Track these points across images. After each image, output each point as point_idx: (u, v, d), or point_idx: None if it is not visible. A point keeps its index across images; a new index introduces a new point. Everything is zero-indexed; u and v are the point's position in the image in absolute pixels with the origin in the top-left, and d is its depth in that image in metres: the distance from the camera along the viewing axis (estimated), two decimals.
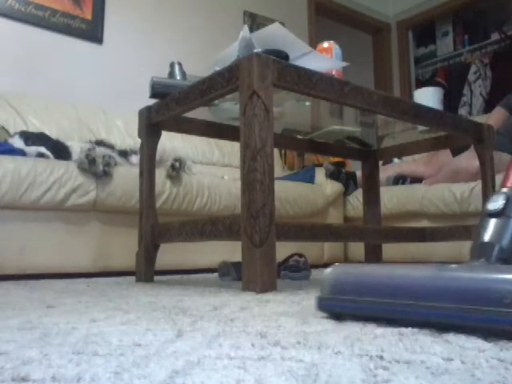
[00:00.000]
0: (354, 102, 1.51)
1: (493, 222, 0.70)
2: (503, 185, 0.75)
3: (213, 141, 3.27)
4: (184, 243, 2.20)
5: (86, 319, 0.79)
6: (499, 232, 0.69)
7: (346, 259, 3.09)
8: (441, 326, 0.65)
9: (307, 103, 1.79)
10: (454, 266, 0.68)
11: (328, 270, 0.80)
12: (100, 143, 2.44)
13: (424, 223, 2.68)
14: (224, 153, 3.36)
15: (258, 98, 1.25)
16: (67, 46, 3.12)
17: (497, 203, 0.71)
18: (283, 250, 1.94)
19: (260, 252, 1.21)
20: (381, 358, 0.51)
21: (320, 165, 3.58)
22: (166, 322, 0.76)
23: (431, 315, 0.64)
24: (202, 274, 2.29)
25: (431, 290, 0.64)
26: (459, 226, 2.11)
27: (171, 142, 2.94)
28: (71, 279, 1.89)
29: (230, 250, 2.20)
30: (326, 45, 1.73)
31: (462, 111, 4.93)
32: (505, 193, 0.72)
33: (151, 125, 1.75)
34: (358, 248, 2.85)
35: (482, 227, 0.71)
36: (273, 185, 1.26)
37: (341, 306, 0.76)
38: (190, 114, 1.72)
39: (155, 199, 1.78)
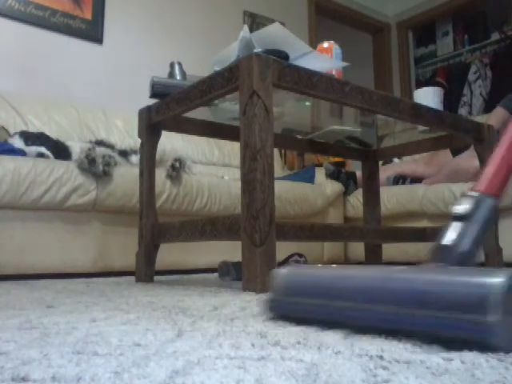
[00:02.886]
0: (353, 102, 1.51)
1: (456, 226, 0.69)
2: (476, 188, 0.72)
3: (213, 141, 3.27)
4: (184, 243, 2.21)
5: (86, 319, 0.79)
6: (460, 236, 0.68)
7: (346, 259, 3.09)
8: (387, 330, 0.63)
9: (307, 103, 1.78)
10: (404, 267, 0.67)
11: (278, 271, 0.77)
12: (100, 143, 2.44)
13: (424, 223, 2.68)
14: (224, 153, 3.36)
15: (258, 98, 1.25)
16: (67, 46, 3.12)
17: (463, 207, 0.70)
18: (283, 249, 1.95)
19: (260, 252, 1.21)
20: (381, 357, 0.51)
21: (320, 165, 3.58)
22: (166, 321, 0.76)
23: (376, 319, 0.62)
24: (202, 274, 2.29)
25: (378, 292, 0.62)
26: None
27: (171, 142, 2.94)
28: (71, 279, 1.89)
29: (230, 250, 2.20)
30: (325, 45, 1.73)
31: (462, 111, 4.93)
32: (474, 197, 0.70)
33: (151, 125, 1.75)
34: (358, 248, 2.85)
35: (445, 229, 0.70)
36: (273, 185, 1.26)
37: (287, 308, 0.74)
38: (190, 114, 1.72)
39: (155, 199, 1.78)
